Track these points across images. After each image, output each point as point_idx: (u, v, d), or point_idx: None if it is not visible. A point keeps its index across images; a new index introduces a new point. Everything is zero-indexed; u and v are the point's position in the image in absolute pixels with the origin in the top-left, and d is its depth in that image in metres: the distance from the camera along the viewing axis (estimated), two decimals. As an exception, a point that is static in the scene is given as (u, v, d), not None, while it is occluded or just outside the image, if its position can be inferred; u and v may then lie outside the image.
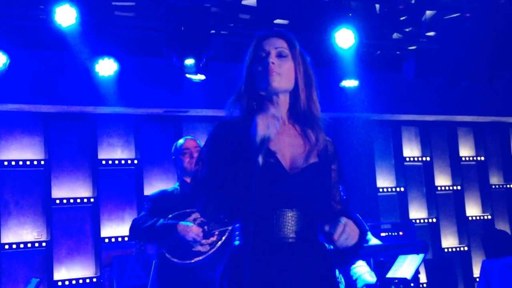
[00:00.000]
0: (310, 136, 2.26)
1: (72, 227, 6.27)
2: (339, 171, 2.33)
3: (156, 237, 3.88)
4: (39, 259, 6.08)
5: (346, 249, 2.09)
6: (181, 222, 3.88)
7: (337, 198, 2.29)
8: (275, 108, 2.19)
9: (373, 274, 5.70)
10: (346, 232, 2.06)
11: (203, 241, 3.91)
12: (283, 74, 2.22)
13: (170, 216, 3.92)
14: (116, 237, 6.35)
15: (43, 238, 6.11)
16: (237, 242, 2.20)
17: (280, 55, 2.25)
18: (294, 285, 2.09)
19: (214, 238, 3.96)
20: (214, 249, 3.95)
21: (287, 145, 2.22)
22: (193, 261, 3.90)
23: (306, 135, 2.26)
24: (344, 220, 2.08)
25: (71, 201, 6.23)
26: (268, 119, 2.09)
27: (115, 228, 6.45)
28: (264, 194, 2.11)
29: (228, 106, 2.32)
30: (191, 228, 3.86)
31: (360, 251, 2.20)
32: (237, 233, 2.22)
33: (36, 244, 6.04)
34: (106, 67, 5.57)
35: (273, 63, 2.21)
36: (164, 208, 3.98)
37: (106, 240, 6.30)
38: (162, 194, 4.16)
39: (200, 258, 3.92)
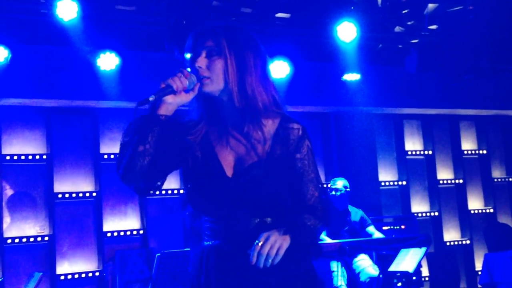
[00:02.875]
0: (253, 133, 2.10)
1: (74, 221, 6.27)
2: (305, 160, 2.12)
3: None
4: (42, 253, 6.08)
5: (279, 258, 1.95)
6: None
7: (307, 190, 2.10)
8: (225, 111, 2.12)
9: (376, 267, 5.70)
10: (264, 250, 1.93)
11: None
12: (213, 76, 2.09)
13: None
14: (119, 231, 6.35)
15: (46, 232, 6.11)
16: (205, 242, 2.13)
17: (209, 55, 2.11)
18: (261, 285, 2.03)
19: None
20: None
21: (232, 146, 2.12)
22: None
23: (248, 133, 2.10)
24: (260, 239, 1.95)
25: (74, 195, 6.22)
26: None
27: (118, 222, 6.45)
28: (209, 199, 2.07)
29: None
30: None
31: (313, 249, 2.09)
32: (204, 231, 2.16)
33: (39, 238, 6.04)
34: (107, 61, 5.56)
35: (200, 67, 2.09)
36: None
37: (109, 234, 6.30)
38: None
39: None
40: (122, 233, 6.36)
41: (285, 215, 2.06)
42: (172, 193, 6.65)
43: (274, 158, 2.09)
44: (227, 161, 2.10)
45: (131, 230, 6.41)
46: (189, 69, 2.10)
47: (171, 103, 2.05)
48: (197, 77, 2.07)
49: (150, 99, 2.01)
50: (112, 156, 6.44)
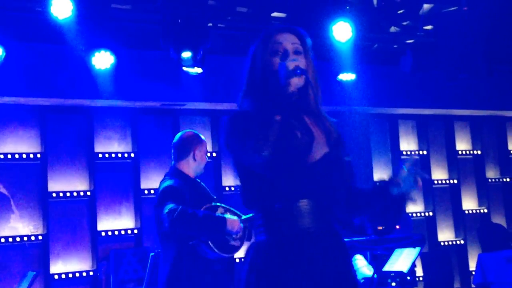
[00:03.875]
0: (320, 129, 2.31)
1: (68, 220, 6.25)
2: (346, 153, 2.38)
3: (205, 228, 3.94)
4: (36, 253, 6.06)
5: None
6: (226, 216, 4.02)
7: (349, 179, 2.34)
8: (297, 104, 2.27)
9: (370, 267, 5.71)
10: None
11: (234, 236, 4.06)
12: (302, 71, 2.25)
13: (202, 208, 4.01)
14: (113, 231, 6.33)
15: (40, 231, 6.09)
16: (261, 237, 2.22)
17: (296, 52, 2.30)
18: (320, 275, 2.15)
19: (240, 234, 4.10)
20: (242, 244, 4.13)
21: (312, 134, 2.29)
22: (230, 255, 4.09)
23: (316, 127, 2.31)
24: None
25: (68, 194, 6.20)
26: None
27: (112, 222, 6.43)
28: (285, 185, 2.17)
29: (240, 98, 2.33)
30: (237, 223, 4.01)
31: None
32: (259, 226, 2.24)
33: (33, 238, 6.01)
34: (102, 60, 5.54)
35: (295, 60, 2.24)
36: (191, 200, 4.06)
37: (103, 234, 6.29)
38: (185, 184, 4.18)
39: (234, 253, 4.14)
40: (116, 232, 6.34)
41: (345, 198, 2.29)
42: (167, 193, 6.63)
43: (336, 153, 2.30)
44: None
45: (126, 229, 6.39)
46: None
47: (296, 84, 2.24)
48: (300, 71, 2.22)
49: (292, 66, 2.20)
50: (106, 155, 6.42)
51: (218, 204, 4.21)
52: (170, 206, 3.91)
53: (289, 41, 2.31)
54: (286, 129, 2.18)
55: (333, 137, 2.32)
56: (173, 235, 4.00)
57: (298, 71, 2.19)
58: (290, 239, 2.17)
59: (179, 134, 4.35)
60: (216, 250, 3.99)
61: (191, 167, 4.24)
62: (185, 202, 3.98)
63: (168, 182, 4.15)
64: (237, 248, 4.13)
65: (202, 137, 4.35)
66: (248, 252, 2.27)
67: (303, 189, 2.17)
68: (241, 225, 4.09)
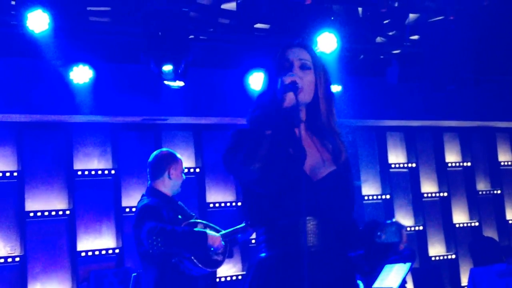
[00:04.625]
0: (328, 147, 2.35)
1: (47, 241, 6.20)
2: (354, 179, 2.44)
3: (186, 244, 4.05)
4: (13, 275, 6.00)
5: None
6: (208, 232, 4.14)
7: (353, 205, 2.38)
8: (304, 120, 2.33)
9: (360, 283, 5.71)
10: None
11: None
12: (305, 87, 2.27)
13: (183, 224, 4.14)
14: (93, 251, 6.29)
15: (17, 253, 6.04)
16: (263, 254, 2.24)
17: (303, 67, 2.32)
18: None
19: (222, 250, 4.25)
20: (225, 259, 4.29)
21: (313, 153, 2.32)
22: (213, 269, 4.23)
23: (324, 146, 2.34)
24: (398, 221, 2.24)
25: (46, 213, 6.16)
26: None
27: (92, 241, 6.39)
28: (289, 202, 2.19)
29: (250, 115, 2.33)
30: (218, 239, 4.15)
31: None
32: (261, 243, 2.27)
33: (9, 260, 5.95)
34: (81, 74, 5.55)
35: (295, 76, 2.26)
36: (170, 218, 4.15)
37: (83, 254, 6.24)
38: (162, 202, 4.27)
39: (217, 268, 4.29)
40: (97, 253, 6.30)
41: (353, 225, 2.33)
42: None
43: (342, 172, 2.33)
44: (310, 166, 2.28)
45: (106, 249, 6.35)
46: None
47: (291, 100, 2.21)
48: (291, 86, 2.21)
49: (288, 80, 2.20)
50: (86, 173, 6.39)
51: (198, 220, 4.32)
52: (149, 225, 3.97)
53: (297, 56, 2.34)
54: (276, 144, 2.20)
55: (342, 157, 2.35)
56: (154, 254, 4.04)
57: (290, 85, 2.20)
58: (293, 256, 2.17)
59: (154, 154, 4.48)
60: (200, 265, 4.07)
61: (167, 186, 4.35)
62: (164, 220, 4.05)
63: (145, 202, 4.22)
64: (220, 263, 4.24)
65: (178, 155, 4.46)
66: (249, 270, 2.28)
67: (307, 206, 2.16)
68: (222, 242, 4.19)
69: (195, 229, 4.14)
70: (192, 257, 4.05)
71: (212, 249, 4.12)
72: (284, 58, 2.33)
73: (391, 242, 2.22)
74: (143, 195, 4.37)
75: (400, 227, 2.24)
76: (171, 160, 4.40)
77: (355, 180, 2.44)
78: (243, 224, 4.38)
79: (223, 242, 4.20)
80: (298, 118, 2.25)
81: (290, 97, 2.20)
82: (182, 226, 4.10)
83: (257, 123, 2.21)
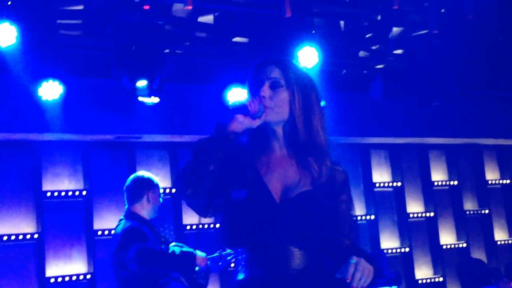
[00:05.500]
0: (312, 165, 2.32)
1: (13, 266, 6.11)
2: (349, 203, 2.36)
3: (176, 264, 4.23)
4: (-23, 303, 5.90)
5: None
6: (196, 253, 4.32)
7: (345, 232, 2.30)
8: (275, 140, 2.34)
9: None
10: (359, 272, 2.09)
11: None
12: (275, 107, 2.30)
13: (163, 246, 4.31)
14: (63, 276, 6.20)
15: (-19, 279, 5.94)
16: (241, 276, 2.25)
17: (273, 86, 2.33)
18: None
19: (205, 273, 4.44)
20: (208, 283, 4.48)
21: (280, 175, 2.30)
22: None
23: (305, 165, 2.32)
24: (354, 259, 2.11)
25: (12, 237, 6.07)
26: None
27: (62, 267, 6.31)
28: (256, 225, 2.22)
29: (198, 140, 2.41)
30: (205, 259, 4.35)
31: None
32: (240, 265, 2.28)
33: (-27, 287, 5.86)
34: (50, 90, 5.49)
35: (263, 96, 2.30)
36: (150, 239, 4.32)
37: (52, 280, 6.16)
38: (143, 227, 4.42)
39: None
40: (67, 278, 6.21)
41: (334, 251, 2.24)
42: (122, 233, 6.56)
43: (325, 193, 2.28)
44: (277, 188, 2.27)
45: (77, 275, 6.27)
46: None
47: (241, 123, 2.25)
48: (240, 109, 2.27)
49: (232, 103, 2.30)
50: (55, 194, 6.32)
51: (179, 244, 4.41)
52: (137, 246, 4.09)
53: (267, 75, 2.35)
54: (225, 167, 2.24)
55: (321, 177, 2.31)
56: (139, 277, 4.11)
57: (238, 108, 2.25)
58: (271, 279, 2.20)
59: (131, 177, 4.63)
60: (187, 285, 4.27)
61: (146, 209, 4.55)
62: (150, 241, 4.17)
63: (128, 224, 4.29)
64: (203, 286, 4.42)
65: (155, 179, 4.64)
66: None
67: (274, 230, 2.19)
68: (208, 262, 4.40)
69: (183, 249, 4.30)
70: (181, 278, 4.24)
71: (197, 268, 4.27)
72: (255, 78, 2.37)
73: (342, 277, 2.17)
74: (121, 219, 4.47)
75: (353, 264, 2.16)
76: (150, 185, 4.57)
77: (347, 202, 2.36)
78: (229, 251, 4.46)
79: (208, 263, 4.32)
80: (291, 137, 2.32)
81: (238, 120, 2.25)
82: (163, 248, 4.27)
83: (198, 149, 2.28)
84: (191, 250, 4.33)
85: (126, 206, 4.56)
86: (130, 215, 4.48)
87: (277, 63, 2.38)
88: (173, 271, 4.24)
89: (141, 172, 4.82)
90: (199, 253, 4.36)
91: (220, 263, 4.55)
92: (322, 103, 2.44)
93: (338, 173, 2.38)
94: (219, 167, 2.23)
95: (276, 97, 2.32)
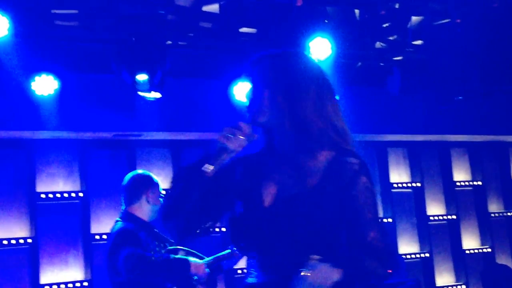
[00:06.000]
0: (302, 164, 2.30)
1: (6, 273, 6.14)
2: (365, 199, 2.26)
3: (167, 273, 4.12)
4: (-33, 312, 5.93)
5: None
6: (190, 259, 4.20)
7: (361, 231, 2.22)
8: (275, 140, 2.37)
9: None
10: (310, 279, 2.06)
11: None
12: (265, 108, 2.33)
13: (163, 251, 4.24)
14: (59, 284, 6.23)
15: (-28, 287, 5.97)
16: (252, 279, 2.29)
17: (256, 86, 2.37)
18: None
19: (205, 279, 4.31)
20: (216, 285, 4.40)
21: (275, 179, 2.33)
22: None
23: (296, 165, 2.31)
24: (303, 272, 2.07)
25: (5, 242, 6.10)
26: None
27: (57, 273, 6.33)
28: (248, 230, 2.28)
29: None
30: (202, 266, 4.23)
31: None
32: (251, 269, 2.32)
33: (-37, 295, 5.89)
34: (44, 85, 5.52)
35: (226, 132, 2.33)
36: (147, 243, 4.24)
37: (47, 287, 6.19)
38: (139, 228, 4.35)
39: None
40: (62, 286, 6.24)
41: (338, 254, 2.21)
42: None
43: (323, 192, 2.23)
44: (268, 191, 2.30)
45: (74, 282, 6.30)
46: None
47: (224, 160, 2.29)
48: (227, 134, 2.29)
49: (209, 170, 2.26)
50: (50, 195, 6.34)
51: (179, 247, 4.31)
52: (126, 251, 3.99)
53: (251, 78, 2.40)
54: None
55: (312, 180, 2.27)
56: (132, 284, 4.04)
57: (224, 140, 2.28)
58: (260, 285, 2.25)
59: (128, 176, 4.53)
60: None
61: (145, 211, 4.43)
62: (141, 246, 4.07)
63: (120, 226, 4.23)
64: None
65: (155, 178, 4.56)
66: None
67: (264, 233, 2.24)
68: (207, 270, 4.25)
69: (176, 256, 4.19)
70: (171, 286, 4.13)
71: (195, 278, 4.15)
72: (248, 80, 2.45)
73: None
74: (117, 220, 4.40)
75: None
76: (149, 183, 4.49)
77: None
78: (228, 250, 4.41)
79: (207, 270, 4.22)
80: (280, 139, 2.35)
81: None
82: (162, 253, 4.15)
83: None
84: (185, 257, 4.22)
85: (123, 207, 4.48)
86: (127, 216, 4.41)
87: (256, 62, 2.40)
88: (165, 280, 4.13)
89: (140, 171, 4.78)
90: (194, 260, 4.24)
91: (222, 263, 4.46)
92: (336, 97, 2.40)
93: (347, 165, 2.28)
94: (203, 196, 2.29)
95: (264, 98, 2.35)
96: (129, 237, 4.21)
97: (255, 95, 2.36)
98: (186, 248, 4.39)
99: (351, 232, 2.24)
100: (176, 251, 4.30)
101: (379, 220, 2.30)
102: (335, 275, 2.08)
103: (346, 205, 2.24)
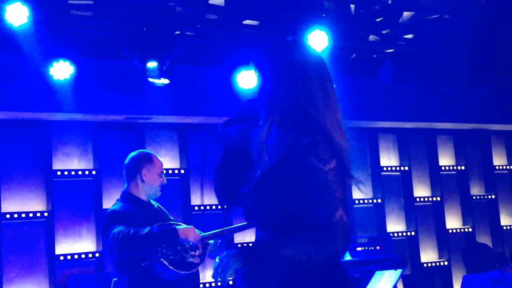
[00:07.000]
0: (269, 143, 2.31)
1: (23, 244, 6.16)
2: (308, 179, 2.13)
3: (156, 243, 3.87)
4: (-13, 279, 5.95)
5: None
6: (178, 226, 3.96)
7: (320, 209, 2.11)
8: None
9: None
10: (217, 266, 2.12)
11: (192, 252, 4.02)
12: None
13: (155, 225, 3.96)
14: (72, 255, 6.24)
15: (-8, 256, 5.99)
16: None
17: (265, 79, 2.39)
18: None
19: (200, 251, 4.06)
20: (203, 261, 4.11)
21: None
22: (188, 272, 4.02)
23: (263, 143, 2.35)
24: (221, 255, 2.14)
25: (23, 215, 6.11)
26: None
27: (71, 245, 6.35)
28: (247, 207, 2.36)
29: None
30: (191, 230, 3.94)
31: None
32: None
33: (-16, 263, 5.91)
34: (61, 70, 5.51)
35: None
36: (141, 223, 3.99)
37: (61, 258, 6.20)
38: (133, 208, 4.15)
39: (193, 270, 4.06)
40: (76, 256, 6.25)
41: (287, 234, 2.13)
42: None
43: (282, 171, 2.17)
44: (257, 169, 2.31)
45: (86, 253, 6.31)
46: None
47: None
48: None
49: None
50: (66, 173, 6.35)
51: (174, 222, 4.18)
52: (112, 231, 3.88)
53: (258, 71, 2.44)
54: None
55: (262, 163, 2.26)
56: (124, 260, 3.94)
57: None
58: None
59: (130, 155, 4.36)
60: (171, 267, 3.91)
61: (141, 189, 4.24)
62: (131, 225, 3.93)
63: (113, 207, 4.14)
64: (196, 265, 4.07)
65: (155, 156, 4.35)
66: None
67: (246, 215, 2.38)
68: (200, 233, 4.02)
69: (167, 226, 3.99)
70: (162, 259, 3.90)
71: (190, 244, 3.96)
72: None
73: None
74: (117, 200, 4.28)
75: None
76: (145, 161, 4.28)
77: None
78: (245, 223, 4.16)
79: (201, 233, 4.03)
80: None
81: None
82: (151, 227, 3.93)
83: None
84: (173, 226, 3.96)
85: (125, 186, 4.31)
86: (125, 196, 4.24)
87: (252, 61, 2.44)
88: (152, 253, 3.86)
89: (142, 150, 4.61)
90: (184, 226, 4.00)
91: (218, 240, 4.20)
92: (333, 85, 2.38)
93: (296, 146, 2.18)
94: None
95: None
96: (116, 217, 4.01)
97: (262, 88, 2.37)
98: (183, 224, 4.20)
99: (311, 210, 2.12)
100: (170, 225, 4.06)
101: (338, 198, 2.13)
102: (234, 262, 2.09)
103: (295, 185, 2.15)
